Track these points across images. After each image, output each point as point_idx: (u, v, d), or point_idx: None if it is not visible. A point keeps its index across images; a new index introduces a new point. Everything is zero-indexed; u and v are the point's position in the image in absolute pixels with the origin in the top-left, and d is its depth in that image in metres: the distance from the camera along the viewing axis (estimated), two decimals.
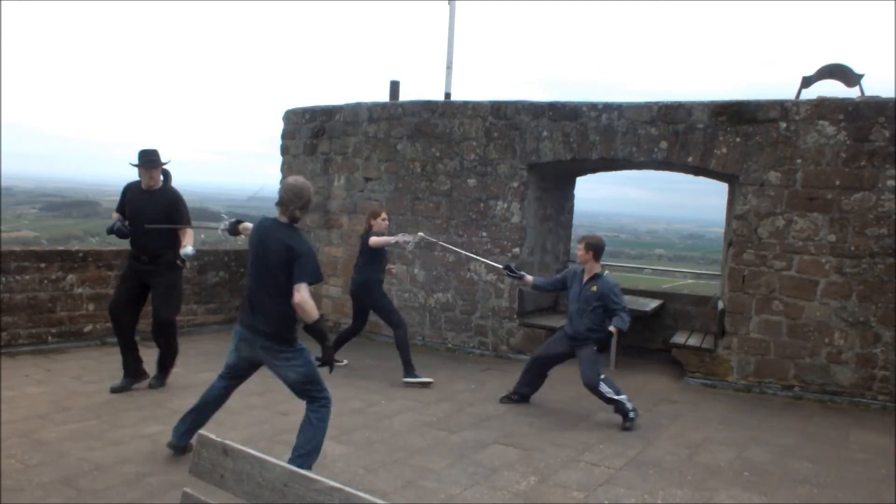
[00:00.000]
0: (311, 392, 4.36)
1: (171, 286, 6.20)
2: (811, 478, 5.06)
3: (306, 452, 4.30)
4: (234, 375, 4.61)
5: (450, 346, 8.97)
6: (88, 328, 7.87)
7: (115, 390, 6.13)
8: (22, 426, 5.13)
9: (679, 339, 8.27)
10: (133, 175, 6.29)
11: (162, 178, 6.21)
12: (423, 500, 4.31)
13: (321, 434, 4.37)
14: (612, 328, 6.12)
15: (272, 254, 4.20)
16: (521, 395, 6.61)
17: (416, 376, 7.10)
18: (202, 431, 2.26)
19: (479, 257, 7.78)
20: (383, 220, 7.38)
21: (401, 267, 9.08)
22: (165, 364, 6.44)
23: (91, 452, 4.73)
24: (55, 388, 6.15)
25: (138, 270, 6.16)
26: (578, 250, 6.35)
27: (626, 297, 9.05)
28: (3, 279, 7.22)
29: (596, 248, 6.27)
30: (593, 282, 6.23)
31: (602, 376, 6.13)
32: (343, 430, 5.55)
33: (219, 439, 2.18)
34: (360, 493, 1.85)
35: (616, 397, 6.04)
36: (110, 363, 7.07)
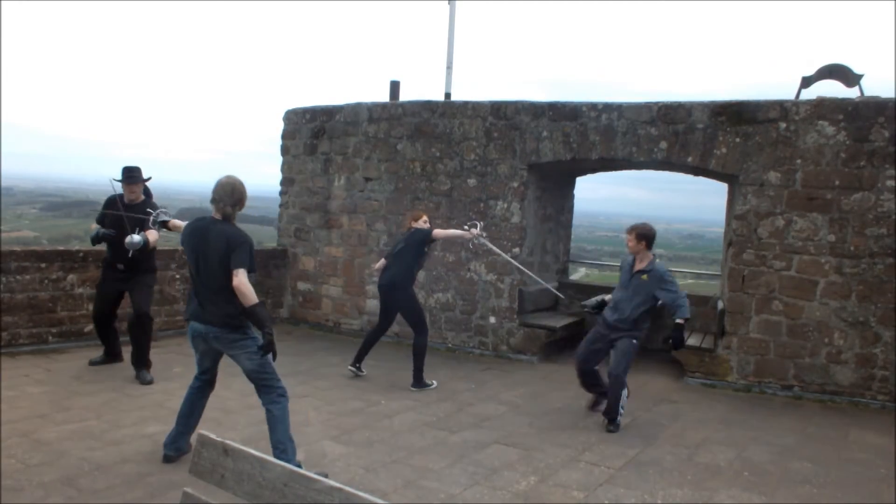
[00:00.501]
0: (267, 381, 4.49)
1: (149, 286, 6.74)
2: (811, 478, 5.06)
3: (285, 447, 4.42)
4: (204, 373, 4.76)
5: (450, 346, 8.97)
6: (89, 328, 7.86)
7: (92, 363, 6.96)
8: (22, 426, 5.13)
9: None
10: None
11: (143, 195, 6.66)
12: (423, 500, 4.31)
13: (287, 423, 4.51)
14: (679, 320, 5.85)
15: (213, 247, 4.39)
16: (601, 395, 6.29)
17: (423, 386, 7.00)
18: (202, 431, 2.26)
19: (534, 276, 8.12)
20: (425, 222, 7.21)
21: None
22: (142, 359, 6.63)
23: (91, 452, 4.73)
24: (55, 388, 6.15)
25: (115, 279, 6.65)
26: (629, 240, 6.03)
27: None
28: (4, 279, 7.22)
29: (647, 236, 5.95)
30: (644, 270, 5.96)
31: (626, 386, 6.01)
32: (343, 430, 5.55)
33: (219, 439, 2.19)
34: (361, 493, 1.85)
35: (622, 402, 5.95)
36: (110, 363, 7.09)
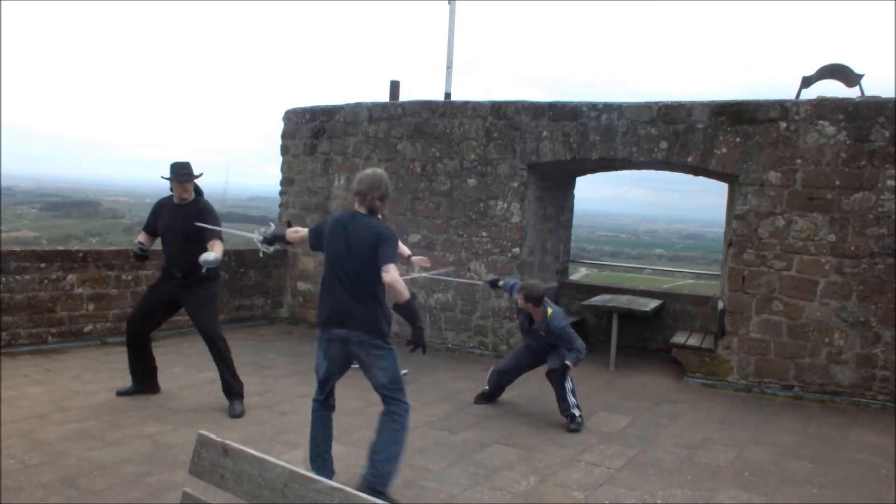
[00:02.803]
0: (397, 395, 4.22)
1: (209, 301, 5.96)
2: (811, 478, 5.06)
3: (387, 457, 4.14)
4: (324, 389, 4.42)
5: (450, 346, 8.97)
6: (88, 328, 7.87)
7: (120, 394, 6.06)
8: (22, 426, 5.13)
9: (679, 339, 8.27)
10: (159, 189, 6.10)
11: (194, 192, 5.98)
12: (423, 500, 4.31)
13: (399, 443, 4.19)
14: (568, 362, 5.97)
15: (360, 242, 4.13)
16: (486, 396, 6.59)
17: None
18: (202, 431, 2.26)
19: (459, 279, 8.19)
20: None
21: (400, 266, 9.08)
22: (231, 386, 5.87)
23: (91, 452, 4.73)
24: (55, 388, 6.15)
25: (171, 287, 5.95)
26: (518, 299, 6.07)
27: (626, 297, 9.12)
28: (4, 279, 7.22)
29: (532, 297, 5.96)
30: (541, 325, 6.07)
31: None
32: (343, 430, 5.54)
33: (219, 439, 2.18)
34: (361, 493, 1.85)
35: (571, 398, 5.94)
36: (110, 363, 7.08)
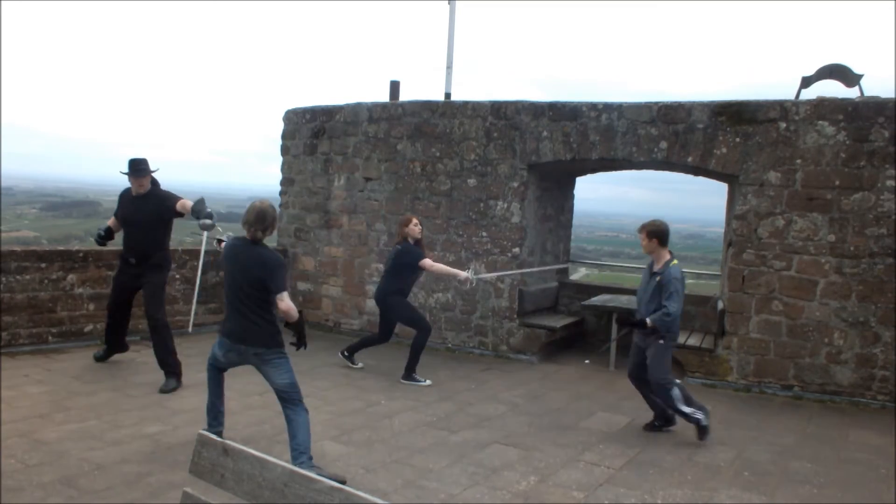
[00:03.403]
0: (295, 396, 4.68)
1: (159, 286, 6.58)
2: (811, 478, 5.06)
3: (306, 449, 4.52)
4: (222, 368, 4.97)
5: (450, 345, 8.97)
6: (89, 328, 7.87)
7: (97, 358, 7.01)
8: (22, 426, 5.13)
9: (679, 338, 8.25)
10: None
11: (150, 184, 6.60)
12: (424, 500, 4.31)
13: (309, 430, 4.64)
14: (648, 320, 5.58)
15: (249, 269, 4.59)
16: (663, 420, 6.00)
17: (413, 380, 7.14)
18: (202, 431, 2.27)
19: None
20: (416, 225, 7.25)
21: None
22: (168, 364, 6.46)
23: (91, 452, 4.73)
24: (55, 388, 6.15)
25: (129, 275, 6.60)
26: (641, 240, 5.76)
27: (626, 297, 9.11)
28: (4, 279, 7.22)
29: (657, 233, 5.67)
30: (658, 272, 5.67)
31: (677, 381, 5.71)
32: (343, 430, 5.55)
33: (219, 439, 2.19)
34: (361, 493, 1.85)
35: (684, 408, 5.63)
36: (110, 363, 7.09)
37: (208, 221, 6.27)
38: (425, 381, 7.16)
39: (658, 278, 5.64)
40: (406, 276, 7.27)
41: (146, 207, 6.47)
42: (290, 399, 4.64)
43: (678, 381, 5.78)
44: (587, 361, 8.61)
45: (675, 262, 5.68)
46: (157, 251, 6.55)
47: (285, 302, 4.59)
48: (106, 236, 6.86)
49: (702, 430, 5.71)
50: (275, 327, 4.68)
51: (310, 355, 8.09)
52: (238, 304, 4.63)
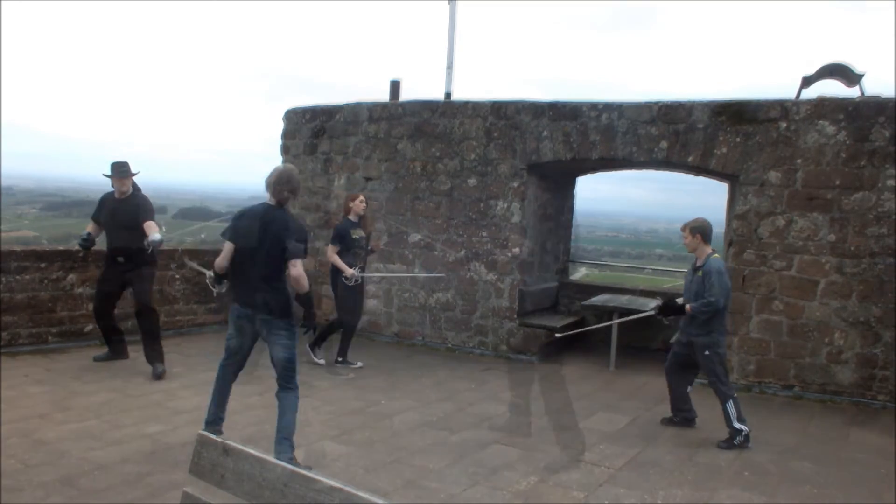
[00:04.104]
0: (292, 372, 4.68)
1: (147, 279, 6.92)
2: (811, 478, 5.06)
3: (290, 434, 4.59)
4: (238, 359, 4.88)
5: (450, 345, 8.97)
6: (89, 328, 7.86)
7: (97, 359, 7.08)
8: (22, 426, 5.13)
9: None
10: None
11: (132, 188, 6.86)
12: (424, 500, 4.31)
13: (295, 414, 4.68)
14: (688, 307, 5.71)
15: (270, 230, 4.51)
16: (682, 419, 6.14)
17: (345, 363, 7.62)
18: (202, 431, 2.26)
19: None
20: (361, 202, 7.54)
21: (400, 266, 9.10)
22: (154, 352, 6.77)
23: (91, 452, 4.73)
24: (55, 388, 6.15)
25: (116, 270, 6.83)
26: (685, 238, 5.89)
27: (626, 297, 9.11)
28: (4, 279, 7.22)
29: (700, 229, 5.77)
30: (699, 267, 5.75)
31: (734, 395, 5.72)
32: (343, 430, 5.55)
33: (219, 439, 2.18)
34: (361, 493, 1.84)
35: (736, 424, 5.61)
36: (111, 363, 7.09)
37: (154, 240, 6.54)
38: (357, 363, 7.60)
39: (700, 272, 5.76)
40: (346, 249, 7.42)
41: (128, 210, 6.73)
42: (284, 377, 4.63)
43: (735, 394, 5.79)
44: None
45: (717, 255, 5.85)
46: (142, 248, 6.71)
47: (297, 269, 4.50)
48: (89, 242, 7.04)
49: (726, 443, 5.67)
50: (285, 296, 4.61)
51: (308, 354, 8.11)
52: (251, 270, 4.56)
